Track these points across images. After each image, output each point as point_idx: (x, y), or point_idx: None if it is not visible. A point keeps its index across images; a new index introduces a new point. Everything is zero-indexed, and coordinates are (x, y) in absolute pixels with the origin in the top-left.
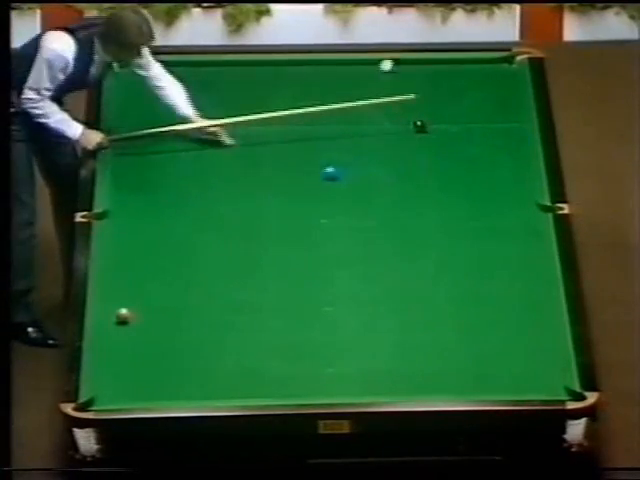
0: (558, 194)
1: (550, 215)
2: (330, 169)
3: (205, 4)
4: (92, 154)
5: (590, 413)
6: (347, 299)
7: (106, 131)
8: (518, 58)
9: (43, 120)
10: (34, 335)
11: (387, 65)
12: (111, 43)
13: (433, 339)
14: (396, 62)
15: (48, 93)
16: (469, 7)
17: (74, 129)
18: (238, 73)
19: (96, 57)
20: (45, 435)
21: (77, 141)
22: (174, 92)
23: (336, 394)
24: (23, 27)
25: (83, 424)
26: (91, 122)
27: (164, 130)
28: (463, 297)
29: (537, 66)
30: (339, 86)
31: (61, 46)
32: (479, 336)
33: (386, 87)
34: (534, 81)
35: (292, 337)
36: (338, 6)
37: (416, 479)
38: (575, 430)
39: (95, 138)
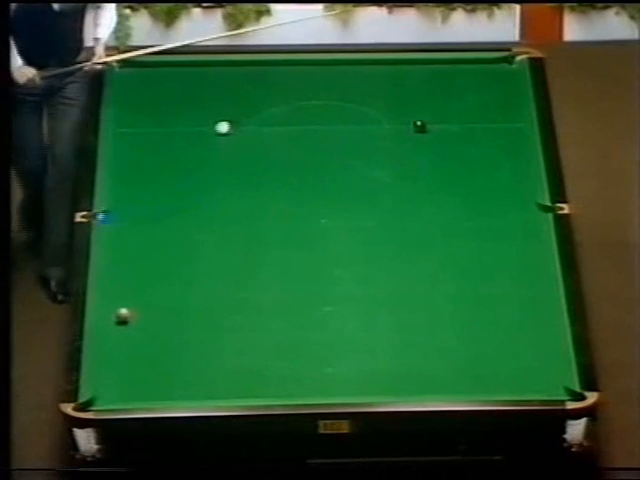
0: (558, 194)
1: (550, 215)
2: (101, 216)
3: (205, 4)
4: (25, 89)
5: (590, 413)
6: (347, 299)
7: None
8: (518, 58)
9: None
10: (55, 289)
11: (224, 127)
12: None
13: (433, 339)
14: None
15: None
16: (469, 7)
17: (13, 60)
18: (238, 73)
19: None
20: (45, 435)
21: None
22: (105, 21)
23: (336, 394)
24: None
25: (83, 424)
26: (92, 122)
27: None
28: (463, 297)
29: (537, 66)
30: (339, 86)
31: None
32: (479, 336)
33: (386, 87)
34: (534, 81)
35: (292, 337)
36: (338, 6)
37: (416, 479)
38: (575, 430)
39: (27, 73)
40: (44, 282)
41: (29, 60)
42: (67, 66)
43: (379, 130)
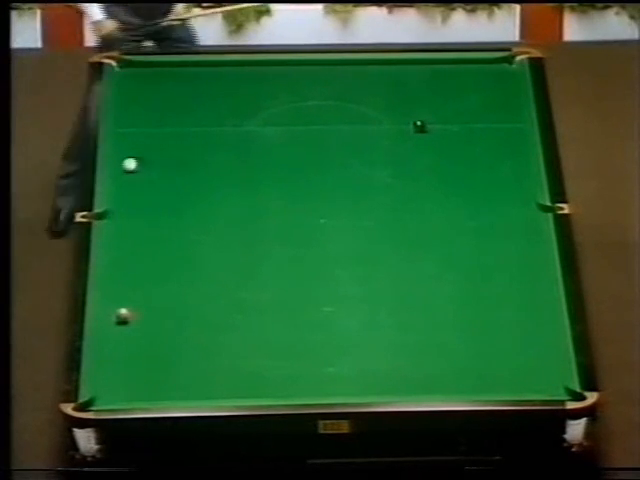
0: (558, 194)
1: (550, 215)
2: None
3: (205, 4)
4: (103, 42)
5: (590, 413)
6: (347, 299)
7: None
8: (518, 58)
9: None
10: (62, 221)
11: (131, 164)
12: None
13: (433, 339)
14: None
15: None
16: (469, 7)
17: (94, 13)
18: (238, 73)
19: None
20: (45, 435)
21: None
22: None
23: (336, 394)
24: (23, 27)
25: (83, 424)
26: (91, 121)
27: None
28: (463, 297)
29: (537, 66)
30: (339, 86)
31: None
32: (479, 336)
33: (386, 87)
34: (534, 81)
35: (292, 337)
36: (338, 6)
37: (416, 479)
38: (575, 430)
39: (107, 27)
40: (54, 213)
41: (113, 12)
42: (152, 20)
43: (379, 130)
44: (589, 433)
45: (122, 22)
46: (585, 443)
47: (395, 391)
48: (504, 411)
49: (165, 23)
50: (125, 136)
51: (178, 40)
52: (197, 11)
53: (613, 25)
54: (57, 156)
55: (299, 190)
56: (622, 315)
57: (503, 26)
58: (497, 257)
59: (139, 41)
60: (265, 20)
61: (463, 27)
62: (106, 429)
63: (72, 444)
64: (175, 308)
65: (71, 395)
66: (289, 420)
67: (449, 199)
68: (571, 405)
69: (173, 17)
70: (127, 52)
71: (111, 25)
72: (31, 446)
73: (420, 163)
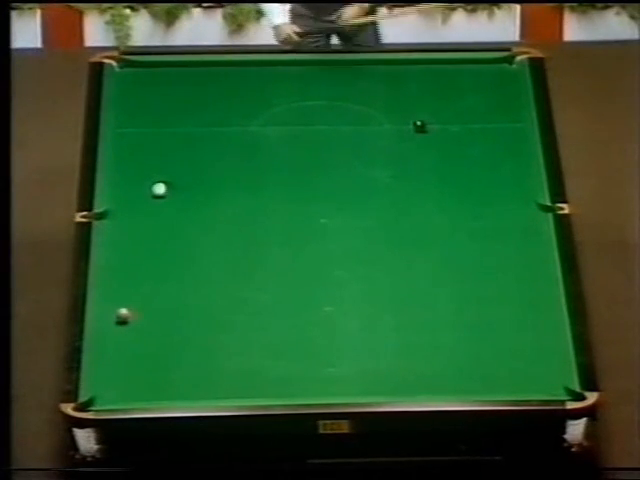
0: (558, 194)
1: (550, 215)
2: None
3: (205, 4)
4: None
5: (590, 413)
6: (347, 299)
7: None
8: (518, 58)
9: None
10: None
11: (160, 189)
12: None
13: (433, 339)
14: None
15: None
16: (469, 7)
17: (274, 17)
18: (238, 73)
19: None
20: (45, 435)
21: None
22: None
23: (336, 394)
24: (23, 27)
25: (83, 424)
26: (90, 122)
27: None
28: (463, 297)
29: (537, 66)
30: (339, 86)
31: None
32: (479, 336)
33: (386, 87)
34: (534, 81)
35: (292, 337)
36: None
37: (416, 479)
38: (575, 430)
39: (285, 30)
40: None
41: (297, 15)
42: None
43: (379, 130)
44: (589, 433)
45: (306, 25)
46: (585, 443)
47: (395, 391)
48: (504, 411)
49: (341, 24)
50: (125, 136)
51: (361, 42)
52: (384, 12)
53: (613, 25)
54: (57, 156)
55: (299, 190)
56: (622, 315)
57: (503, 26)
58: (497, 257)
59: (321, 43)
60: (265, 20)
61: (463, 27)
62: (106, 429)
63: (72, 444)
64: (175, 308)
65: (71, 395)
66: (289, 420)
67: (449, 199)
68: (571, 405)
69: (356, 21)
70: (127, 52)
71: (290, 29)
72: (31, 446)
73: (420, 163)
